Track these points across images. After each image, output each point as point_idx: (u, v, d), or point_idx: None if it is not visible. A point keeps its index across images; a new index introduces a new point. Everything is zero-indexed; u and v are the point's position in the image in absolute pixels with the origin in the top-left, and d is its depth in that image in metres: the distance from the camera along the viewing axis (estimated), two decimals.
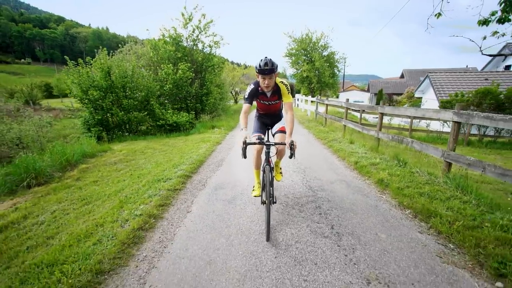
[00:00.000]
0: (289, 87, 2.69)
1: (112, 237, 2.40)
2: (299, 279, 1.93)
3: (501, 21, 4.34)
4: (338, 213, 2.98)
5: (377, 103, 30.53)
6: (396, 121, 15.77)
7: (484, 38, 4.18)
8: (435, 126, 12.49)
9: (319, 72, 29.97)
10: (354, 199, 3.37)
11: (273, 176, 2.95)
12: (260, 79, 2.57)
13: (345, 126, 7.94)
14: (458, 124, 3.48)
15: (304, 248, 2.31)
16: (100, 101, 8.99)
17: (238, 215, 2.93)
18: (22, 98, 27.83)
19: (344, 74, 44.52)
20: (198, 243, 2.39)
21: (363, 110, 11.43)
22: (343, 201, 3.29)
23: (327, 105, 10.13)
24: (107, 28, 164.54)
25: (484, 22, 4.51)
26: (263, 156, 2.71)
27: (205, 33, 12.38)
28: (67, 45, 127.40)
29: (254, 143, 2.41)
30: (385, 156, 5.10)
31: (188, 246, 2.35)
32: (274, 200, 2.57)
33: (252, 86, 2.68)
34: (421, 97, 22.25)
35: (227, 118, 13.38)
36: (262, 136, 2.56)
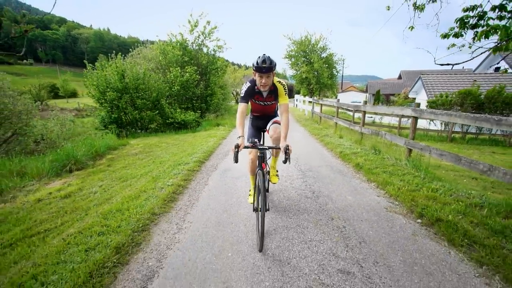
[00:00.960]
0: (286, 88, 2.55)
1: (156, 196, 3.37)
2: (287, 217, 2.90)
3: (456, 35, 5.32)
4: (319, 184, 3.95)
5: (374, 104, 31.44)
6: (388, 120, 16.75)
7: (436, 49, 5.15)
8: (422, 124, 13.45)
9: (318, 73, 30.95)
10: (334, 177, 4.34)
11: (268, 180, 2.96)
12: (257, 77, 2.38)
13: (336, 123, 8.91)
14: (415, 118, 4.44)
15: (291, 203, 3.28)
16: (116, 101, 9.99)
17: (244, 186, 3.90)
18: (31, 98, 28.81)
19: (342, 75, 45.54)
20: (217, 201, 3.36)
21: (356, 110, 12.37)
22: (325, 178, 4.26)
23: (321, 104, 11.12)
24: (108, 29, 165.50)
25: (445, 36, 5.49)
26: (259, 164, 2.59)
27: (210, 38, 13.39)
28: (68, 46, 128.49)
29: (247, 147, 2.27)
30: (365, 147, 6.08)
31: (209, 203, 3.31)
32: (267, 208, 2.35)
33: (248, 84, 2.51)
34: (415, 98, 23.22)
35: (230, 116, 14.37)
36: (255, 140, 2.36)
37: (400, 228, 2.66)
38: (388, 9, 7.13)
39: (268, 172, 2.97)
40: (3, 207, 3.73)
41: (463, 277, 1.94)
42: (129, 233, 2.44)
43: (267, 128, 2.95)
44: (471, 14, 5.11)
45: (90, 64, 10.34)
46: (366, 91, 48.93)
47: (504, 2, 4.87)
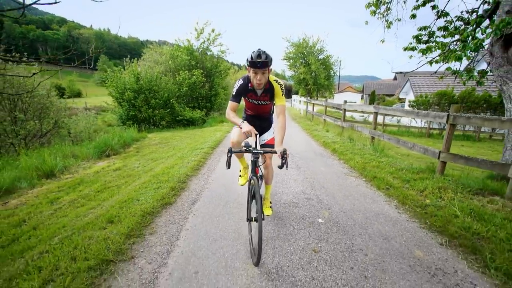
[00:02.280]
0: (283, 88, 2.35)
1: (185, 167, 4.80)
2: (277, 178, 4.33)
3: (413, 49, 6.74)
4: (303, 162, 5.39)
5: (371, 104, 32.82)
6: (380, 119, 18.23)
7: (393, 61, 6.67)
8: (404, 122, 14.93)
9: (315, 74, 32.39)
10: (314, 157, 5.78)
11: (261, 184, 2.78)
12: (251, 73, 2.19)
13: (324, 120, 10.37)
14: (376, 114, 5.90)
15: (280, 172, 4.72)
16: (133, 100, 11.42)
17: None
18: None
19: (339, 76, 47.03)
20: (228, 174, 4.78)
21: (338, 108, 13.83)
22: (308, 158, 5.71)
23: (313, 104, 12.58)
24: (108, 30, 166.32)
25: (406, 49, 6.92)
26: (248, 162, 2.48)
27: (214, 44, 14.85)
28: (69, 46, 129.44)
29: (240, 151, 2.11)
30: (344, 137, 7.54)
31: (223, 173, 4.73)
32: (263, 217, 2.06)
33: (241, 82, 2.33)
34: (405, 98, 24.71)
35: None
36: (249, 143, 2.16)
37: (349, 182, 4.12)
38: (366, 24, 8.64)
39: (262, 177, 2.78)
40: (76, 176, 5.16)
41: (376, 201, 3.38)
42: (176, 183, 3.88)
43: (260, 143, 2.82)
44: (423, 32, 6.64)
45: (109, 69, 11.78)
46: (362, 92, 50.46)
47: (446, 25, 6.42)
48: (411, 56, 6.90)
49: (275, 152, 2.07)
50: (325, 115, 10.37)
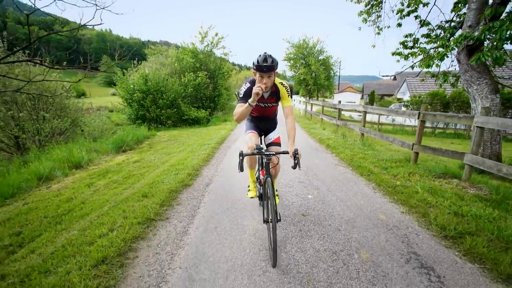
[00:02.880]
0: (289, 89, 2.43)
1: (197, 158, 5.54)
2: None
3: (399, 54, 7.42)
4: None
5: (370, 103, 33.52)
6: (374, 118, 18.90)
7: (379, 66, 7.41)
8: (399, 121, 15.61)
9: (315, 75, 33.05)
10: (310, 152, 6.51)
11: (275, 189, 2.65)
12: (257, 77, 2.21)
13: (322, 119, 11.09)
14: (365, 113, 6.62)
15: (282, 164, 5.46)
16: (142, 101, 12.18)
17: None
18: None
19: (339, 76, 47.65)
20: (234, 164, 5.53)
21: (334, 107, 14.54)
22: (304, 153, 6.40)
23: (312, 104, 13.30)
24: (110, 30, 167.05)
25: (394, 53, 7.62)
26: (259, 160, 2.66)
27: (217, 47, 15.59)
28: (72, 47, 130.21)
29: (252, 154, 2.19)
30: (338, 134, 8.26)
31: (230, 165, 5.47)
32: (279, 218, 2.05)
33: (248, 85, 2.35)
34: (402, 98, 25.40)
35: None
36: (260, 146, 2.28)
37: (338, 171, 4.84)
38: (360, 29, 9.36)
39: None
40: (100, 167, 5.91)
41: (357, 184, 4.11)
42: (191, 170, 4.62)
43: (266, 142, 2.87)
44: (408, 39, 7.36)
45: (119, 68, 12.54)
46: (362, 92, 51.04)
47: (428, 32, 7.14)
48: (398, 60, 7.62)
49: (287, 153, 2.11)
50: (322, 114, 11.09)
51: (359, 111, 7.02)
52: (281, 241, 2.47)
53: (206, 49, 15.50)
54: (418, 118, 4.49)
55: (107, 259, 2.09)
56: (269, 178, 2.18)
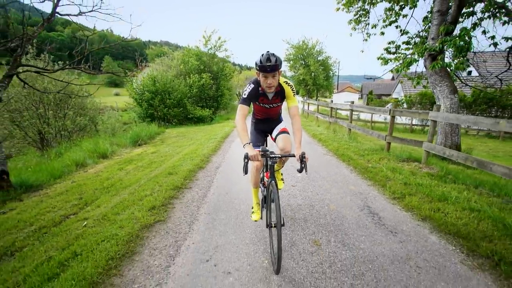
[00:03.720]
0: (294, 88, 2.33)
1: (206, 149, 6.52)
2: None
3: (383, 59, 8.35)
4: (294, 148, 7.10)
5: (368, 103, 34.42)
6: (369, 117, 19.87)
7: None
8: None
9: (314, 75, 33.93)
10: (304, 145, 7.37)
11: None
12: (261, 78, 2.11)
13: (317, 117, 12.06)
14: (351, 111, 7.58)
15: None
16: (151, 100, 13.18)
17: None
18: None
19: (338, 76, 48.55)
20: (237, 153, 6.50)
21: (326, 106, 15.51)
22: None
23: (308, 103, 14.28)
24: (111, 30, 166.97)
25: (379, 58, 8.56)
26: (261, 174, 2.54)
27: (219, 50, 16.59)
28: (74, 47, 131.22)
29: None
30: (330, 130, 9.23)
31: (234, 152, 6.45)
32: (282, 222, 1.93)
33: (252, 86, 2.23)
34: (397, 98, 26.33)
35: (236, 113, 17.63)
36: (267, 148, 2.14)
37: (325, 159, 5.82)
38: (351, 36, 10.31)
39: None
40: (123, 156, 6.90)
41: (338, 167, 5.07)
42: (203, 157, 5.59)
43: (273, 136, 2.75)
44: (391, 46, 8.30)
45: (121, 69, 13.52)
46: (361, 91, 51.89)
47: (408, 40, 8.10)
48: (381, 64, 8.57)
49: (293, 156, 2.03)
50: (317, 113, 12.06)
51: (346, 109, 7.97)
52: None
53: (210, 52, 16.49)
54: (389, 114, 5.46)
55: (155, 208, 3.08)
56: (273, 181, 2.09)
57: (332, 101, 9.60)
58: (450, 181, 3.88)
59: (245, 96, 2.23)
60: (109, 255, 2.16)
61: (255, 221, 2.70)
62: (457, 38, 4.74)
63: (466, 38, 4.76)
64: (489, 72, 6.30)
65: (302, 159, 1.97)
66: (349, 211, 3.11)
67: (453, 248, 2.34)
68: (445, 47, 5.13)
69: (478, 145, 11.54)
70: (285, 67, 37.55)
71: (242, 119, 2.14)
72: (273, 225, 2.08)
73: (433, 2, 5.54)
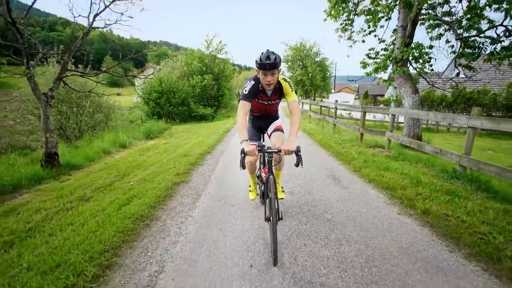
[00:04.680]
0: (292, 84, 2.35)
1: (211, 140, 7.71)
2: None
3: (363, 63, 9.55)
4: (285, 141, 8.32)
5: (364, 103, 35.54)
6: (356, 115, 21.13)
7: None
8: (379, 117, 17.78)
9: (311, 76, 35.09)
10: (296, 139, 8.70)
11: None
12: (260, 75, 2.16)
13: (310, 115, 13.29)
14: (336, 108, 8.79)
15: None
16: (158, 99, 14.36)
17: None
18: None
19: (335, 77, 49.78)
20: (236, 145, 7.69)
21: (321, 105, 16.72)
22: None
23: (302, 102, 15.51)
24: (111, 31, 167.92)
25: (361, 62, 9.76)
26: (257, 164, 2.67)
27: (220, 52, 17.79)
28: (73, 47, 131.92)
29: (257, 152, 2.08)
30: (319, 126, 10.45)
31: (235, 143, 7.64)
32: (281, 216, 2.09)
33: (252, 82, 2.27)
34: (389, 97, 27.59)
35: (236, 112, 18.90)
36: (263, 143, 2.19)
37: (311, 148, 7.02)
38: (339, 41, 11.53)
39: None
40: (140, 146, 8.07)
41: (320, 152, 6.28)
42: (208, 146, 6.79)
43: (269, 133, 2.82)
44: (371, 52, 9.51)
45: (135, 70, 14.67)
46: (358, 92, 53.09)
47: (386, 47, 9.32)
48: (361, 67, 9.75)
49: (290, 152, 2.04)
50: (310, 111, 13.28)
51: (333, 108, 9.19)
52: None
53: (211, 54, 17.69)
54: (361, 111, 6.67)
55: (179, 174, 4.28)
56: (271, 176, 2.16)
57: (322, 99, 10.81)
58: (400, 159, 5.10)
59: (246, 93, 2.28)
60: (155, 196, 3.37)
61: (252, 200, 3.00)
62: (413, 50, 5.96)
63: (421, 49, 5.98)
64: (447, 77, 7.52)
65: (297, 153, 2.01)
66: (318, 177, 4.32)
67: (382, 195, 3.55)
68: (404, 56, 6.35)
69: (442, 139, 12.79)
70: (283, 67, 38.81)
71: (244, 116, 2.22)
72: (271, 219, 2.06)
73: (398, 18, 6.78)
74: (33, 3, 4.98)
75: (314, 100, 31.90)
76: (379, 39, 9.10)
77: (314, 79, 34.78)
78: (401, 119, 16.40)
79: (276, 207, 2.05)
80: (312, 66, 33.95)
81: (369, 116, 18.45)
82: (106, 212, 2.98)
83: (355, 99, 48.01)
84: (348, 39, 10.43)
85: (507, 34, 5.30)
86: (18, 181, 4.45)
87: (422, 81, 10.67)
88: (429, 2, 5.94)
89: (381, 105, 26.39)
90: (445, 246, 2.36)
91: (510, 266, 1.99)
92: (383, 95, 44.32)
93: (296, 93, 26.90)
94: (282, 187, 2.94)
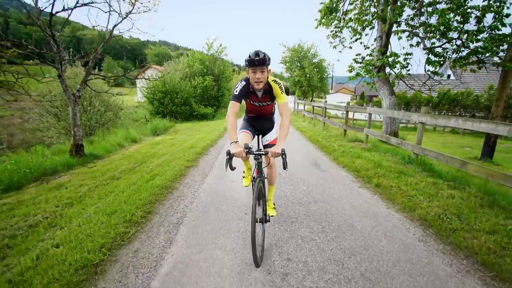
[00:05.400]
0: (282, 86, 2.33)
1: (214, 135, 8.66)
2: None
3: (350, 67, 10.53)
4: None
5: (360, 104, 36.65)
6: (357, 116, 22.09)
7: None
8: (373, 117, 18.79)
9: (309, 77, 36.03)
10: (289, 136, 9.66)
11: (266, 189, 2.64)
12: (250, 73, 2.17)
13: (304, 114, 14.26)
14: (325, 108, 9.76)
15: None
16: (162, 99, 15.30)
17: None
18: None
19: (332, 78, 50.84)
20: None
21: (313, 105, 17.72)
22: None
23: (297, 103, 16.49)
24: (110, 30, 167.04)
25: (349, 66, 10.73)
26: (251, 161, 2.66)
27: (220, 55, 18.74)
28: (73, 47, 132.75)
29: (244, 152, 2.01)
30: (311, 124, 11.42)
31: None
32: (268, 218, 2.16)
33: (243, 83, 2.28)
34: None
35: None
36: (249, 145, 2.10)
37: (301, 143, 7.99)
38: (330, 46, 12.35)
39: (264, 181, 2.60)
40: (149, 141, 9.01)
41: (308, 146, 7.25)
42: (211, 140, 7.74)
43: (263, 143, 2.86)
44: (358, 57, 10.47)
45: (143, 73, 15.62)
46: (355, 93, 54.18)
47: (371, 53, 10.25)
48: (348, 71, 10.71)
49: (266, 154, 2.08)
50: (304, 110, 14.26)
51: (321, 107, 10.16)
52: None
53: (212, 55, 18.66)
54: (345, 110, 7.64)
55: (189, 160, 5.24)
56: (259, 178, 2.21)
57: (313, 100, 11.77)
58: (373, 150, 6.07)
59: (237, 93, 2.26)
60: (173, 175, 4.32)
61: (246, 186, 2.98)
62: (387, 58, 6.94)
63: (394, 58, 6.95)
64: (421, 80, 8.50)
65: (282, 155, 2.00)
66: (302, 164, 5.29)
67: (350, 176, 4.51)
68: (380, 63, 7.34)
69: (426, 137, 13.80)
70: (281, 68, 39.71)
71: (233, 116, 2.21)
72: (258, 220, 2.10)
73: (376, 29, 7.76)
74: (69, 15, 5.92)
75: (312, 100, 32.92)
76: (364, 46, 10.07)
77: (312, 80, 35.69)
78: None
79: (265, 209, 2.17)
80: (309, 67, 34.89)
81: (361, 116, 19.48)
82: (137, 184, 3.93)
83: (351, 99, 49.04)
84: (338, 45, 11.41)
85: (462, 47, 6.29)
86: (55, 167, 5.38)
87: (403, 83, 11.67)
88: (399, 18, 6.92)
89: (369, 105, 27.51)
90: (384, 204, 3.33)
91: (420, 213, 2.96)
92: (376, 96, 45.58)
93: (294, 93, 27.80)
94: (274, 204, 2.81)
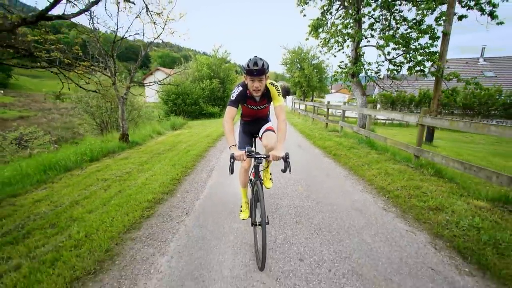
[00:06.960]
0: (279, 89, 2.36)
1: (220, 131, 10.82)
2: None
3: (336, 72, 12.62)
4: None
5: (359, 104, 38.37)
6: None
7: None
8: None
9: (308, 78, 37.96)
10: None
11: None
12: (248, 81, 2.19)
13: (299, 113, 16.37)
14: (314, 107, 11.85)
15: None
16: (175, 100, 17.52)
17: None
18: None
19: (331, 78, 52.53)
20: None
21: (306, 104, 19.79)
22: None
23: (295, 102, 18.61)
24: (114, 32, 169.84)
25: (335, 71, 12.82)
26: (250, 172, 2.64)
27: (225, 60, 20.93)
28: (79, 49, 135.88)
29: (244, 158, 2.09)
30: (308, 122, 13.53)
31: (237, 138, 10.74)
32: (267, 220, 2.09)
33: (240, 88, 2.30)
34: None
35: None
36: (252, 149, 2.17)
37: (296, 138, 10.12)
38: (320, 53, 14.60)
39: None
40: (172, 134, 11.20)
41: (304, 141, 9.37)
42: (221, 132, 9.89)
43: (260, 135, 2.83)
44: (342, 64, 12.53)
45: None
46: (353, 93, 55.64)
47: (352, 60, 12.32)
48: (333, 76, 12.76)
49: (268, 157, 2.12)
50: (299, 109, 16.37)
51: (312, 106, 12.25)
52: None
53: (218, 58, 20.89)
54: (327, 108, 9.73)
55: (209, 143, 7.42)
56: (258, 181, 2.25)
57: (304, 99, 13.85)
58: (342, 137, 8.18)
59: (233, 99, 2.27)
60: (200, 150, 6.52)
61: (243, 219, 2.77)
62: (355, 67, 9.02)
63: (360, 66, 9.03)
64: (392, 82, 10.49)
65: (286, 159, 2.01)
66: (289, 147, 7.42)
67: (321, 152, 6.63)
68: (352, 71, 9.42)
69: (396, 131, 15.84)
70: (282, 70, 41.68)
71: (230, 121, 2.24)
72: (257, 223, 2.14)
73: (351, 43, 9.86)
74: (123, 37, 8.09)
75: (312, 100, 35.00)
76: (346, 55, 12.14)
77: (311, 80, 37.62)
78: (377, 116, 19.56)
79: (264, 211, 2.08)
80: (308, 68, 36.89)
81: (352, 114, 21.54)
82: (179, 155, 6.10)
83: (349, 99, 50.80)
84: (326, 53, 13.46)
85: (411, 60, 8.42)
86: (113, 148, 7.58)
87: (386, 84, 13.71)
88: (363, 38, 8.98)
89: (346, 104, 29.55)
90: (335, 164, 5.45)
91: (350, 165, 5.08)
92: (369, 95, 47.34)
93: (295, 94, 29.76)
94: (270, 174, 2.93)
